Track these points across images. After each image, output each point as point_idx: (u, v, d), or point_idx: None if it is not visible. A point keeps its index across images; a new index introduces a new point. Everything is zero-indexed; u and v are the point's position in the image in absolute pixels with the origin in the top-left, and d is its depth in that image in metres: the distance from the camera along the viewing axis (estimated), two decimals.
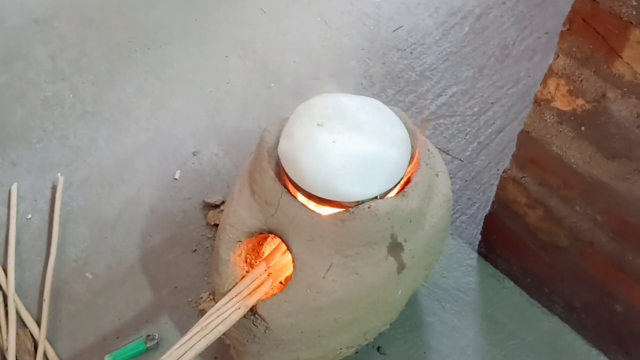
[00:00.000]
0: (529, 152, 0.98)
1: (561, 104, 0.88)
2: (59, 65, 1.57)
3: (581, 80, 0.84)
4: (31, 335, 1.14)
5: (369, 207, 0.89)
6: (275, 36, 1.64)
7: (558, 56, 0.85)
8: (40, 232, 1.29)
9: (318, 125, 0.93)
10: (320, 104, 0.96)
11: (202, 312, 1.18)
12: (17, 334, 1.13)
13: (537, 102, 0.91)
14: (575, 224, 0.99)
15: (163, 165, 1.39)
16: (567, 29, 0.81)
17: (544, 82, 0.89)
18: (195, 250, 1.27)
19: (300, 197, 0.93)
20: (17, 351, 1.11)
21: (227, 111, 1.49)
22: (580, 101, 0.86)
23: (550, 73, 0.87)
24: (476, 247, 1.25)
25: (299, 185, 0.91)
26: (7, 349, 1.11)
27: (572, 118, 0.88)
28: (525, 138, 0.97)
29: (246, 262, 1.01)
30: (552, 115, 0.90)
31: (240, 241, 0.97)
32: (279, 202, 0.93)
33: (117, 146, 1.42)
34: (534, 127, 0.94)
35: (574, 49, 0.82)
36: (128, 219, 1.31)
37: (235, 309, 0.93)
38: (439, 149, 1.39)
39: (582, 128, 0.88)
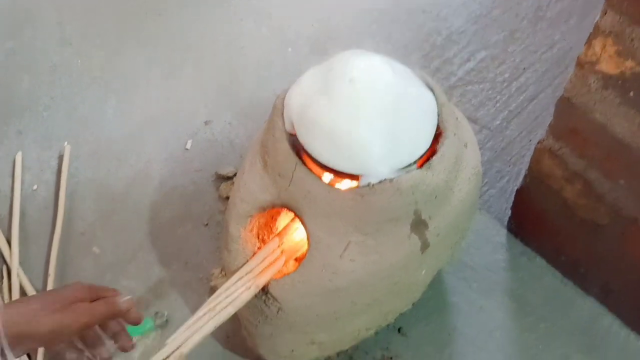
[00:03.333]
0: (569, 120, 0.89)
1: (608, 66, 0.79)
2: (67, 31, 1.50)
3: (632, 40, 0.75)
4: None
5: (390, 181, 0.81)
6: None
7: (606, 12, 0.76)
8: (46, 204, 1.23)
9: (330, 69, 0.83)
10: (338, 57, 0.87)
11: (213, 289, 1.12)
12: None
13: (579, 64, 0.82)
14: (618, 200, 0.91)
15: (173, 136, 1.33)
16: None
17: (589, 42, 0.80)
18: (206, 224, 1.21)
19: (316, 169, 0.85)
20: None
21: (241, 79, 1.41)
22: (630, 63, 0.76)
23: (595, 32, 0.78)
24: (506, 223, 1.17)
25: (313, 155, 0.83)
26: None
27: (620, 82, 0.79)
28: (564, 105, 0.88)
29: (258, 238, 0.95)
30: (597, 79, 0.81)
31: (251, 216, 0.91)
32: (292, 175, 0.86)
33: (126, 116, 1.36)
34: (575, 92, 0.85)
35: (625, 3, 0.73)
36: (137, 192, 1.25)
37: (246, 289, 0.86)
38: (466, 117, 1.31)
39: (631, 93, 0.79)
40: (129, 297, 0.74)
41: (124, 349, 0.75)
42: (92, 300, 0.71)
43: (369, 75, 0.80)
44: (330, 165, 0.82)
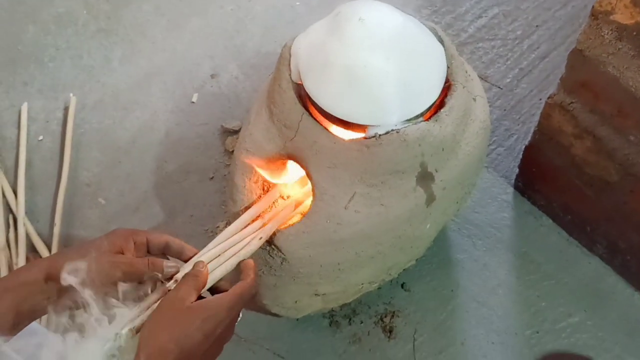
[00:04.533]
0: (581, 74, 0.87)
1: (623, 16, 0.77)
2: None
3: None
4: None
5: (397, 132, 0.80)
6: None
7: None
8: (51, 155, 1.23)
9: (338, 14, 0.82)
10: (345, 4, 0.85)
11: None
12: (27, 258, 1.09)
13: (594, 15, 0.80)
14: (628, 157, 0.89)
15: (180, 88, 1.31)
16: None
17: None
18: (212, 177, 1.20)
19: (323, 120, 0.84)
20: None
21: (248, 32, 1.39)
22: None
23: None
24: (513, 181, 1.16)
25: (321, 104, 0.82)
26: None
27: (635, 33, 0.77)
28: (577, 58, 0.86)
29: (263, 189, 0.94)
30: (611, 30, 0.79)
31: None
32: (298, 125, 0.85)
33: (132, 67, 1.34)
34: (588, 44, 0.83)
35: None
36: (142, 144, 1.25)
37: (252, 239, 0.85)
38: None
39: None
40: (174, 265, 0.70)
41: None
42: (137, 244, 0.68)
43: (378, 15, 0.80)
44: (338, 113, 0.81)
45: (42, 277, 0.63)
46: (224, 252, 0.82)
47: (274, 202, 0.89)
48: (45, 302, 0.63)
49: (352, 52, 0.79)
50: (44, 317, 0.67)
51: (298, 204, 0.91)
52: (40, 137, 1.25)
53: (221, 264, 0.81)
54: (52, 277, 0.63)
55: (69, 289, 0.63)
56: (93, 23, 1.41)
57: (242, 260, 0.76)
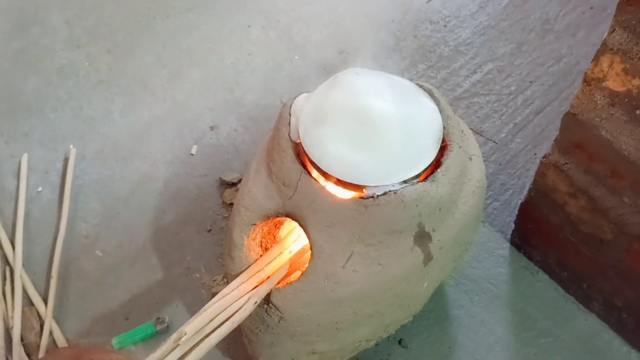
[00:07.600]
0: (574, 136, 0.89)
1: (614, 83, 0.79)
2: (75, 32, 1.51)
3: None
4: (37, 313, 1.10)
5: (394, 193, 0.81)
6: (301, 6, 1.55)
7: (614, 30, 0.76)
8: (50, 206, 1.24)
9: (335, 76, 0.89)
10: (347, 79, 0.88)
11: (215, 296, 1.12)
12: (23, 311, 1.08)
13: (586, 81, 0.82)
14: (622, 217, 0.90)
15: (179, 140, 1.33)
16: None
17: (596, 59, 0.80)
18: (209, 230, 1.21)
19: (321, 179, 0.86)
20: (23, 329, 1.07)
21: (247, 84, 1.42)
22: (636, 81, 0.76)
23: (603, 49, 0.78)
24: (509, 236, 1.17)
25: (319, 165, 0.83)
26: (12, 326, 1.07)
27: (627, 100, 0.79)
28: (570, 121, 0.88)
29: (261, 246, 0.95)
30: (604, 96, 0.81)
31: (255, 224, 0.91)
32: (297, 184, 0.86)
33: (132, 118, 1.36)
34: (581, 109, 0.85)
35: (634, 21, 0.73)
36: (141, 195, 1.25)
37: (245, 302, 0.86)
38: (471, 129, 1.31)
39: (638, 111, 0.78)
40: None
41: None
42: None
43: (372, 73, 0.87)
44: (336, 173, 0.82)
45: None
46: (216, 316, 0.83)
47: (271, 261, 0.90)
48: None
49: (352, 97, 0.84)
50: None
51: (295, 262, 0.92)
52: (40, 189, 1.26)
53: (213, 332, 0.81)
54: None
55: None
56: (94, 74, 1.43)
57: None
